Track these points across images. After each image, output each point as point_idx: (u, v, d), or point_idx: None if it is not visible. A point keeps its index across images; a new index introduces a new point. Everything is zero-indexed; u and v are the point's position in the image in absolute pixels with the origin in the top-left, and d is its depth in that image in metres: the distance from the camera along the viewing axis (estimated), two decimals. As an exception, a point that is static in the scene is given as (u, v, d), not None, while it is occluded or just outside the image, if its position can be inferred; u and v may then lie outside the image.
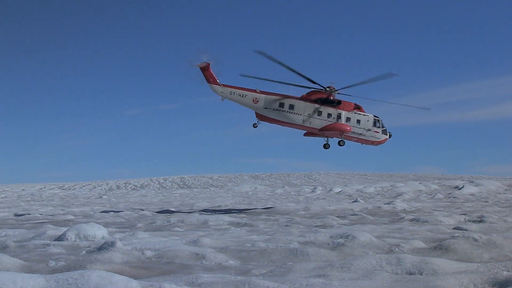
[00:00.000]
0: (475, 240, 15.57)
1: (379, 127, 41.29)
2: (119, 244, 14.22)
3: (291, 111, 38.94)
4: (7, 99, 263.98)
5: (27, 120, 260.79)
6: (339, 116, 39.67)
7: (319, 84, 38.48)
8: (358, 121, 40.28)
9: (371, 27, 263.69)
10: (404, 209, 38.39)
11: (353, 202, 53.90)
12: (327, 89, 38.88)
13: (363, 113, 40.93)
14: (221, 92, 37.95)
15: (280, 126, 40.03)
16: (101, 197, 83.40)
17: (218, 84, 37.76)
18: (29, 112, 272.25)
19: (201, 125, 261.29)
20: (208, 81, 37.55)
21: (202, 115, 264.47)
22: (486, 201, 52.13)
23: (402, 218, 28.61)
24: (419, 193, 67.66)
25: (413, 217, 27.99)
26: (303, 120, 39.17)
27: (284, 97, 39.21)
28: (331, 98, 39.61)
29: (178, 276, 10.91)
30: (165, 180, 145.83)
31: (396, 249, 15.40)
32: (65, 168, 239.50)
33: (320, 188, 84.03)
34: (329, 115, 39.47)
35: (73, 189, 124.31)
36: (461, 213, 30.74)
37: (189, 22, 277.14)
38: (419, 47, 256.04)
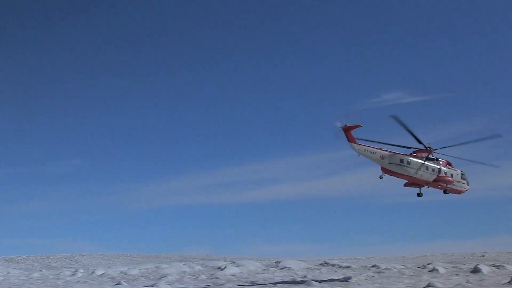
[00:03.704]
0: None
1: (465, 179, 52.41)
2: None
3: (409, 166, 48.27)
4: None
5: None
6: (439, 171, 50.17)
7: (423, 144, 48.96)
8: (451, 175, 51.05)
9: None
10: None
11: (115, 285, 52.08)
12: (428, 148, 49.49)
13: (454, 168, 51.72)
14: (358, 149, 46.36)
15: (397, 178, 49.16)
16: None
17: (356, 143, 45.98)
18: None
19: None
20: (349, 140, 45.78)
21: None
22: (246, 282, 54.49)
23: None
24: (183, 275, 68.09)
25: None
26: (417, 173, 48.72)
27: (403, 154, 48.58)
28: (431, 155, 49.93)
29: None
30: None
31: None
32: None
33: (82, 271, 79.71)
34: (433, 169, 49.78)
35: None
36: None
37: None
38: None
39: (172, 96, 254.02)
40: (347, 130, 45.61)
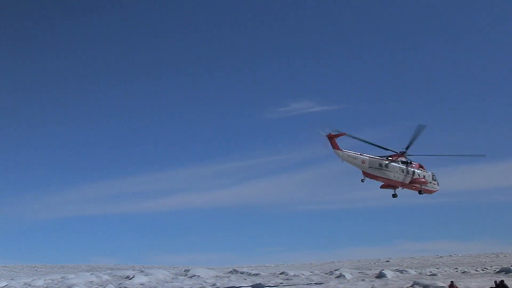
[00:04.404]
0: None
1: (435, 180, 56.40)
2: None
3: (387, 169, 51.92)
4: None
5: None
6: (413, 173, 53.95)
7: (392, 150, 52.63)
8: (424, 176, 54.97)
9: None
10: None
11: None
12: (402, 152, 52.87)
13: (425, 170, 55.49)
14: (342, 155, 49.29)
15: (376, 181, 52.35)
16: None
17: (340, 150, 48.96)
18: None
19: None
20: (333, 147, 48.75)
21: None
22: (155, 291, 53.62)
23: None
24: (91, 285, 66.16)
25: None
26: (394, 176, 52.34)
27: (381, 159, 51.94)
28: (405, 159, 53.49)
29: None
30: None
31: None
32: None
33: (-19, 283, 75.50)
34: (408, 172, 53.51)
35: None
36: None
37: None
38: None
39: (67, 106, 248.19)
40: (331, 138, 48.58)
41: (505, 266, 73.87)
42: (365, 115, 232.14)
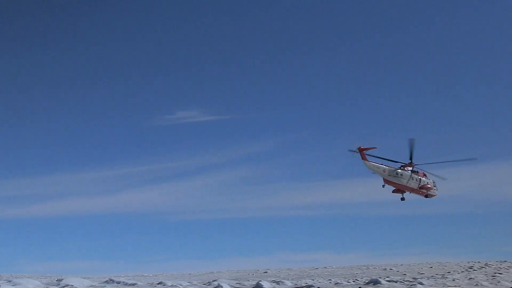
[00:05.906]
0: None
1: (435, 186, 65.58)
2: None
3: (401, 177, 60.89)
4: None
5: None
6: (420, 180, 62.99)
7: (400, 162, 61.88)
8: (427, 183, 63.90)
9: None
10: None
11: None
12: (411, 163, 61.88)
13: (428, 178, 64.23)
14: (369, 165, 57.85)
15: (391, 186, 61.44)
16: None
17: (368, 161, 57.49)
18: None
19: None
20: (363, 158, 56.90)
21: None
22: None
23: None
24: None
25: None
26: (407, 182, 61.25)
27: (396, 169, 60.92)
28: (413, 168, 62.26)
29: None
30: None
31: None
32: None
33: None
34: (416, 179, 62.59)
35: None
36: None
37: None
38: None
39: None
40: (361, 150, 56.52)
41: (374, 278, 77.68)
42: (254, 125, 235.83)
